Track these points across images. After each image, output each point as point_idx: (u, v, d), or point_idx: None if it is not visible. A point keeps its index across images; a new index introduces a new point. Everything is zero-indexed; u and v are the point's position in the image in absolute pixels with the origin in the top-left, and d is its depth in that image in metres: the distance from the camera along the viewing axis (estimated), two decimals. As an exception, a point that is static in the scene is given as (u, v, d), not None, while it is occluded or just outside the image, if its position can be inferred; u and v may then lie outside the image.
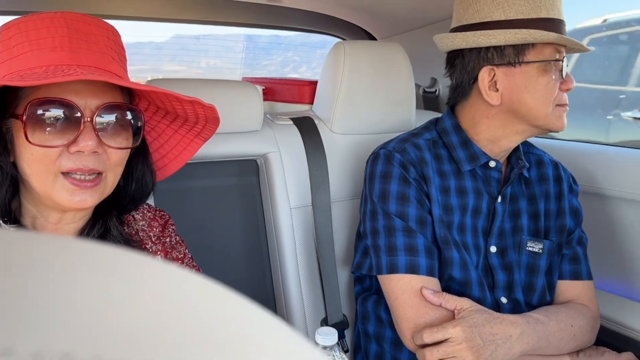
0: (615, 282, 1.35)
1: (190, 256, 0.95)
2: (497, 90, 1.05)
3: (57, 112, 0.71)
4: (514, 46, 1.02)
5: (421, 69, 1.79)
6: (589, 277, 1.15)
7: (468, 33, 1.05)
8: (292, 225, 1.27)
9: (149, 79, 1.27)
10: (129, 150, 0.79)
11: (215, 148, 1.24)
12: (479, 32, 1.04)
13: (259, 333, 0.18)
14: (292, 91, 1.65)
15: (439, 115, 1.28)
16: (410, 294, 1.00)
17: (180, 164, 0.97)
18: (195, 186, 1.27)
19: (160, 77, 1.23)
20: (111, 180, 0.78)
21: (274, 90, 1.75)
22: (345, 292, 1.33)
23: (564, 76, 1.03)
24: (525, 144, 1.20)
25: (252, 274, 1.32)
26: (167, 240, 0.92)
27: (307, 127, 1.34)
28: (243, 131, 1.27)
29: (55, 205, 0.75)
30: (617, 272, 1.34)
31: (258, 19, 1.94)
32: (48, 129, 0.70)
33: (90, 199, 0.74)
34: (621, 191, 1.30)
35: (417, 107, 1.72)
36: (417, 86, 1.80)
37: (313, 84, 1.51)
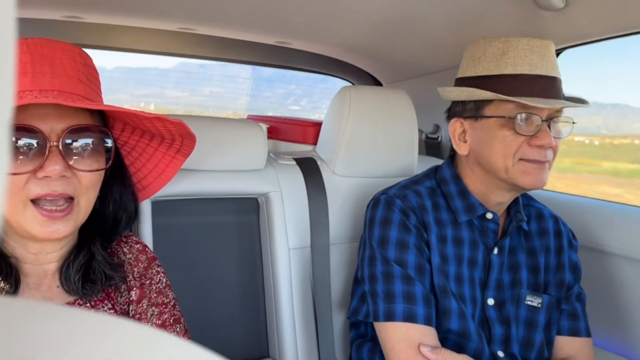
0: (613, 340, 1.33)
1: (173, 303, 0.92)
2: (465, 141, 1.08)
3: (21, 139, 0.70)
4: (475, 101, 1.05)
5: (425, 115, 1.82)
6: (588, 334, 1.14)
7: (442, 88, 1.12)
8: (290, 266, 1.26)
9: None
10: (102, 172, 0.78)
11: (217, 185, 1.24)
12: (446, 87, 1.10)
13: None
14: (296, 131, 1.66)
15: (440, 161, 1.29)
16: (406, 344, 0.99)
17: (165, 182, 0.96)
18: (195, 222, 1.27)
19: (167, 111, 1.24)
20: (85, 205, 0.76)
21: (279, 130, 1.77)
22: (339, 337, 1.31)
23: (517, 131, 1.00)
24: (525, 196, 1.20)
25: (246, 314, 1.30)
26: (148, 282, 0.89)
27: (309, 168, 1.35)
28: (246, 169, 1.28)
29: (30, 236, 0.74)
30: (615, 330, 1.33)
31: (266, 58, 1.97)
32: (15, 156, 0.69)
33: (63, 229, 0.72)
34: (621, 248, 1.30)
35: (419, 152, 1.74)
36: (420, 132, 1.82)
37: (317, 125, 1.53)
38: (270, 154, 1.40)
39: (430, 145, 1.81)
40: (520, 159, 1.01)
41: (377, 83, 2.01)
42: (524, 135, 1.00)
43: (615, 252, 1.31)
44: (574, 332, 1.13)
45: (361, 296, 1.13)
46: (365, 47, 1.70)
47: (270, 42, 1.66)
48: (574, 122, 1.05)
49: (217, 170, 1.24)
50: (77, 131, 0.73)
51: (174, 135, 0.88)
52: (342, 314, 1.32)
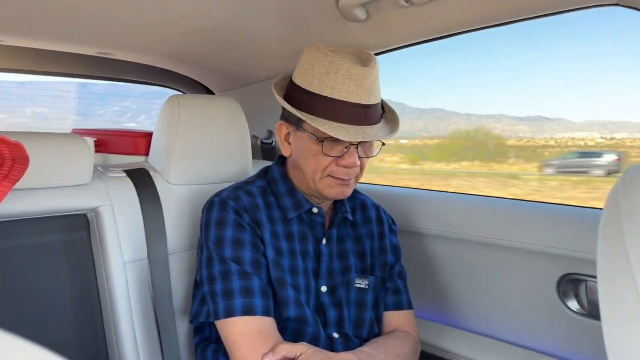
0: (432, 310, 1.51)
1: None
2: (289, 143, 1.16)
3: None
4: None
5: (259, 121, 1.89)
6: (410, 307, 1.28)
7: (275, 87, 1.17)
8: (127, 281, 1.23)
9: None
10: None
11: (39, 203, 1.17)
12: (277, 86, 1.17)
13: None
14: (126, 143, 1.61)
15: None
16: (247, 337, 1.03)
17: None
18: (17, 245, 1.17)
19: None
20: None
21: (107, 142, 1.70)
22: (185, 344, 1.31)
23: (324, 152, 1.07)
24: None
25: (84, 336, 1.24)
26: None
27: (141, 179, 1.32)
28: (70, 185, 1.22)
29: None
30: (433, 300, 1.51)
31: (91, 70, 1.88)
32: None
33: None
34: (432, 228, 1.48)
35: (256, 157, 1.80)
36: (255, 138, 1.88)
37: (148, 135, 1.50)
38: (98, 167, 1.35)
39: (265, 150, 1.88)
40: (328, 175, 1.11)
41: (210, 92, 2.03)
42: (331, 156, 1.09)
43: (428, 232, 1.49)
44: (398, 306, 1.26)
45: (202, 299, 1.15)
46: (193, 57, 1.71)
47: (91, 52, 1.59)
48: (383, 144, 1.14)
49: (36, 187, 1.16)
50: None
51: (4, 159, 0.82)
52: (186, 320, 1.32)
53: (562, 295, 1.26)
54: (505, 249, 1.34)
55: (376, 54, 1.54)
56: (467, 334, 1.42)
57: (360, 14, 1.27)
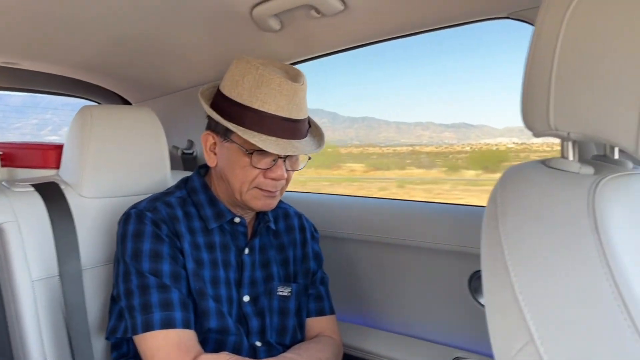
0: (354, 312, 1.55)
1: None
2: (215, 153, 1.15)
3: None
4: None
5: (179, 131, 1.86)
6: (332, 312, 1.30)
7: (202, 95, 1.16)
8: (35, 300, 1.17)
9: None
10: None
11: None
12: (204, 95, 1.15)
13: None
14: (35, 156, 1.54)
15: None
16: (166, 350, 1.01)
17: None
18: None
19: None
20: None
21: (14, 156, 1.62)
22: (102, 363, 1.27)
23: (253, 164, 1.08)
24: None
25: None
26: None
27: (51, 193, 1.27)
28: None
29: None
30: (355, 303, 1.55)
31: (-2, 81, 1.78)
32: None
33: None
34: (353, 234, 1.52)
35: (177, 168, 1.77)
36: (176, 148, 1.85)
37: (59, 147, 1.45)
38: (3, 183, 1.28)
39: (186, 160, 1.86)
40: (255, 187, 1.11)
41: (127, 103, 1.98)
42: (260, 168, 1.09)
43: (348, 237, 1.53)
44: (320, 312, 1.28)
45: (119, 314, 1.11)
46: (107, 67, 1.67)
47: (-7, 62, 1.51)
48: (309, 158, 1.17)
49: None
50: None
51: None
52: (103, 338, 1.27)
53: (474, 291, 1.33)
54: (421, 250, 1.40)
55: (293, 64, 1.56)
56: (388, 335, 1.46)
57: (274, 24, 1.29)
